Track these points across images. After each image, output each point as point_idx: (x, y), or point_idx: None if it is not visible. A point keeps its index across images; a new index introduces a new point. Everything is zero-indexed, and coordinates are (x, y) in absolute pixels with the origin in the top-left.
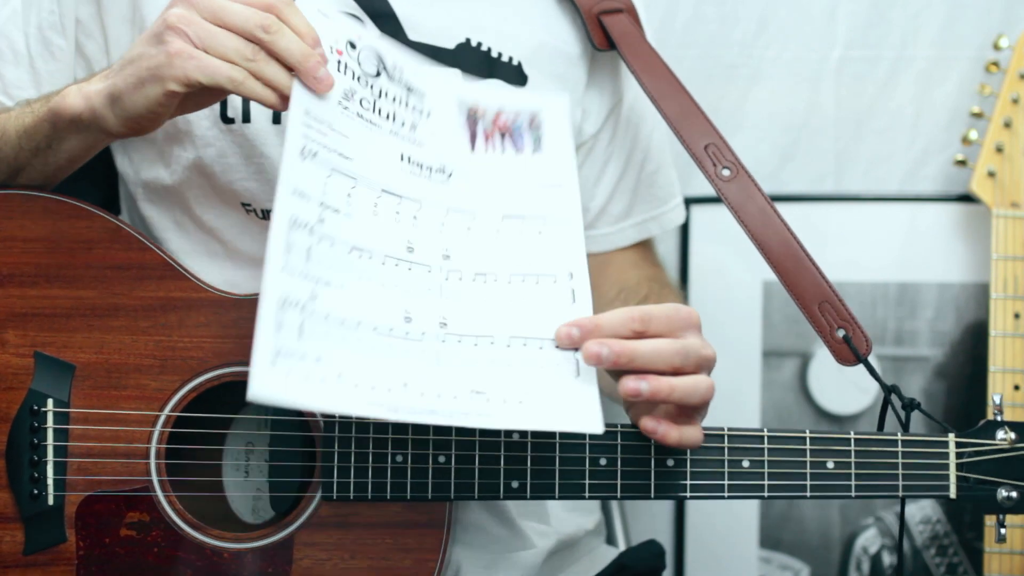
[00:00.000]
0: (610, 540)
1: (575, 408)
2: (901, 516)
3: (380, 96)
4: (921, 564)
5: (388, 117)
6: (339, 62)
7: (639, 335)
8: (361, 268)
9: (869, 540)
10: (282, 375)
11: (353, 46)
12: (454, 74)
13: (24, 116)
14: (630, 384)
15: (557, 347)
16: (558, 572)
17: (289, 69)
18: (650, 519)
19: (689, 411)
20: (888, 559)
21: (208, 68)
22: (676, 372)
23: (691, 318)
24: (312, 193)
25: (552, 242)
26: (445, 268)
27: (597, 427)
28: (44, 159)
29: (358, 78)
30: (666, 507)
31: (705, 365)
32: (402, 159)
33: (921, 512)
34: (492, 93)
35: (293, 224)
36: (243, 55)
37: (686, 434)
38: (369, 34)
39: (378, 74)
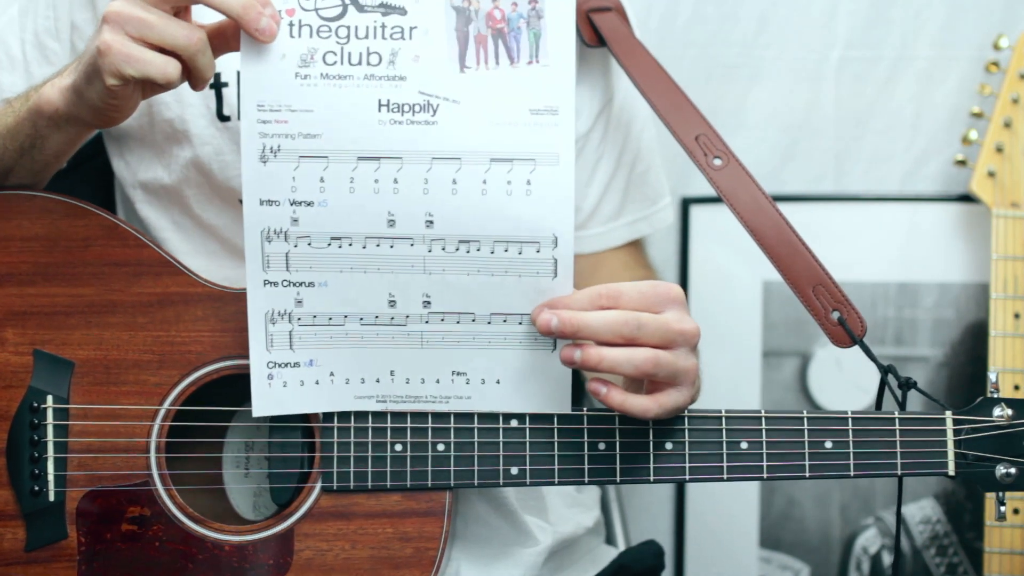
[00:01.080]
0: (609, 540)
1: (548, 389)
2: (899, 495)
3: (348, 38)
4: (921, 564)
5: (360, 60)
6: (291, 24)
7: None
8: (342, 258)
9: (869, 540)
10: (278, 388)
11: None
12: None
13: (6, 117)
14: (567, 350)
15: (535, 321)
16: (558, 572)
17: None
18: (650, 519)
19: (658, 384)
20: (888, 559)
21: (139, 64)
22: (628, 343)
23: (669, 293)
24: (279, 196)
25: (540, 196)
26: (428, 238)
27: (566, 408)
28: (31, 157)
29: (318, 30)
30: (666, 507)
31: (677, 340)
32: (380, 107)
33: (921, 512)
34: None
35: (266, 236)
36: (179, 44)
37: (629, 401)
38: None
39: (343, 13)
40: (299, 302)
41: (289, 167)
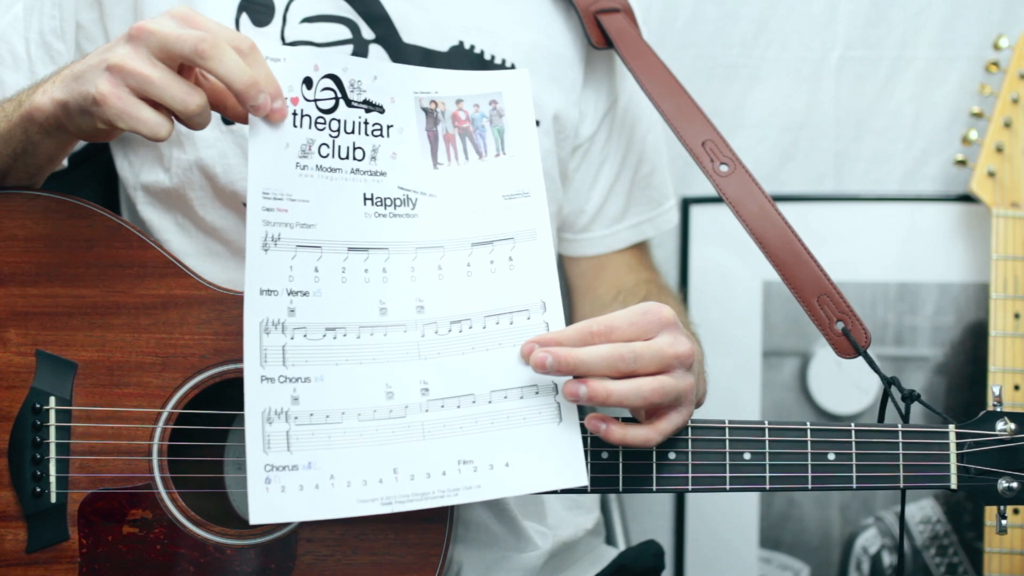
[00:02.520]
0: (610, 540)
1: (560, 462)
2: (902, 507)
3: (339, 132)
4: (921, 564)
5: (348, 155)
6: (294, 113)
7: (604, 341)
8: (338, 350)
9: (869, 540)
10: (277, 492)
11: (309, 84)
12: (411, 69)
13: None
14: (570, 387)
15: (536, 394)
16: (558, 573)
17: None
18: (650, 519)
19: (659, 408)
20: (888, 559)
21: (130, 119)
22: (626, 375)
23: (660, 317)
24: (278, 285)
25: (523, 269)
26: (420, 323)
27: (582, 479)
28: (24, 161)
29: (315, 122)
30: (666, 507)
31: (672, 364)
32: (365, 201)
33: (921, 512)
34: (450, 79)
35: (264, 329)
36: (177, 107)
37: (630, 434)
38: (325, 58)
39: (335, 107)
40: (295, 399)
41: (287, 256)
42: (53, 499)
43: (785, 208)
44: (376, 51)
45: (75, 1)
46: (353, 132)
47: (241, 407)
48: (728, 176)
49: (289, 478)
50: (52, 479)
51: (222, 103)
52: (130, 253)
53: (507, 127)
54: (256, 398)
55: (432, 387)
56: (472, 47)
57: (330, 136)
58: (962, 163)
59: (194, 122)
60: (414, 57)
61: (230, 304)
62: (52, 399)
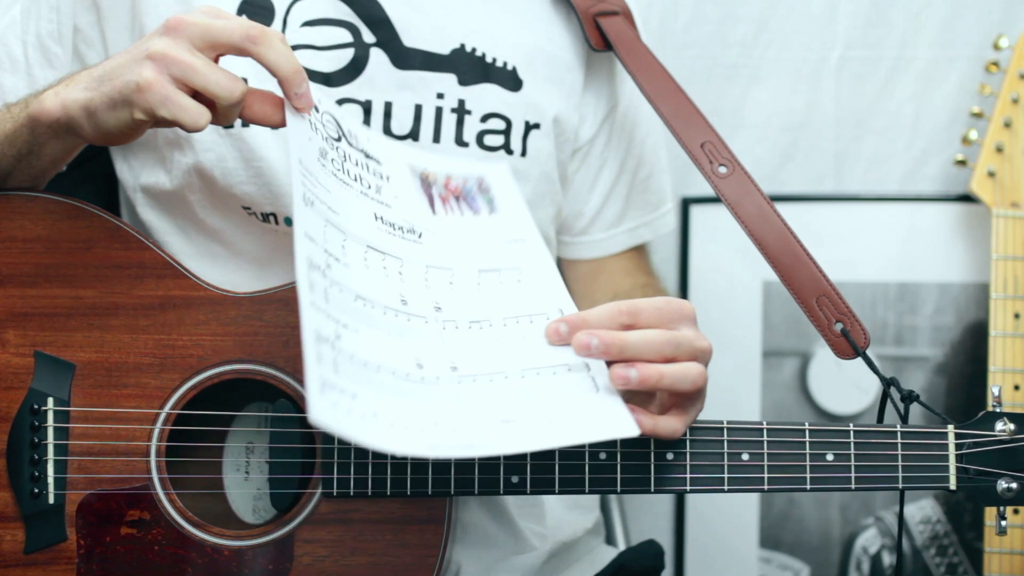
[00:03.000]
0: (610, 540)
1: (605, 417)
2: (900, 508)
3: (345, 159)
4: (921, 564)
5: (356, 179)
6: (310, 122)
7: (627, 328)
8: (367, 316)
9: (869, 540)
10: (330, 404)
11: (316, 109)
12: (401, 145)
13: (4, 122)
14: (619, 371)
15: (569, 371)
16: (557, 573)
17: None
18: (650, 519)
19: (681, 399)
20: (888, 559)
21: (175, 109)
22: (668, 361)
23: (683, 310)
24: (318, 238)
25: (533, 286)
26: (440, 319)
27: (632, 429)
28: (28, 163)
29: (326, 139)
30: (666, 507)
31: (700, 356)
32: (376, 219)
33: (921, 512)
34: (438, 161)
35: (311, 265)
36: (220, 94)
37: (661, 424)
38: (327, 100)
39: (339, 139)
40: (338, 336)
41: (321, 222)
42: (51, 500)
43: (785, 208)
44: (377, 54)
45: (73, 4)
46: (358, 166)
47: (240, 407)
48: (727, 178)
49: (339, 398)
50: (50, 480)
51: (252, 105)
52: (128, 254)
53: (496, 197)
54: (309, 318)
55: (461, 367)
56: (473, 50)
57: (339, 157)
58: (962, 163)
59: (230, 114)
60: (415, 60)
61: (228, 305)
62: (50, 400)
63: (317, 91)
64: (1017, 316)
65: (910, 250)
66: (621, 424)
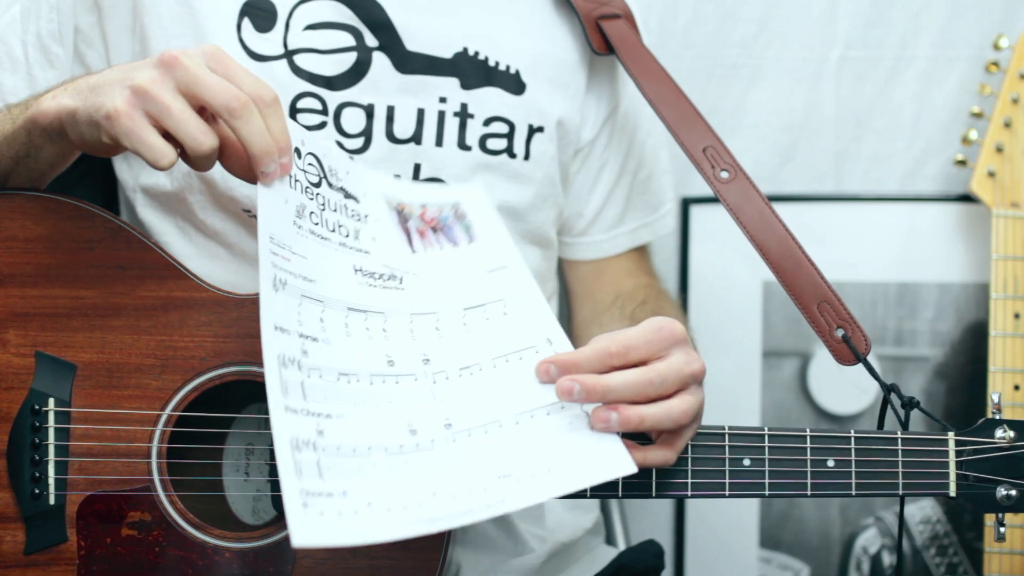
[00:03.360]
0: (610, 540)
1: (602, 457)
2: (900, 514)
3: (324, 207)
4: (921, 564)
5: (334, 229)
6: (291, 176)
7: (618, 366)
8: (353, 393)
9: (869, 540)
10: (316, 516)
11: (299, 154)
12: (376, 175)
13: (4, 123)
14: (600, 414)
15: (563, 409)
16: (557, 573)
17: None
18: (650, 519)
19: (675, 431)
20: (888, 559)
21: (137, 141)
22: (651, 400)
23: (674, 335)
24: (290, 326)
25: (520, 318)
26: (429, 372)
27: (630, 467)
28: (27, 165)
29: (305, 190)
30: (666, 507)
31: (690, 382)
32: (355, 272)
33: (921, 512)
34: (412, 190)
35: (282, 362)
36: (188, 144)
37: (650, 457)
38: (310, 137)
39: (319, 183)
40: (320, 432)
41: (294, 302)
42: (52, 501)
43: (785, 208)
44: (379, 59)
45: (73, 5)
46: (336, 211)
47: (240, 407)
48: (729, 183)
49: (326, 504)
50: (51, 480)
51: (229, 155)
52: (130, 255)
53: (472, 223)
54: (282, 426)
55: (455, 422)
56: (476, 53)
57: (318, 207)
58: (962, 163)
59: (200, 163)
60: (418, 64)
61: (230, 306)
62: (51, 400)
63: (299, 131)
64: (1017, 316)
65: (910, 250)
66: (618, 463)
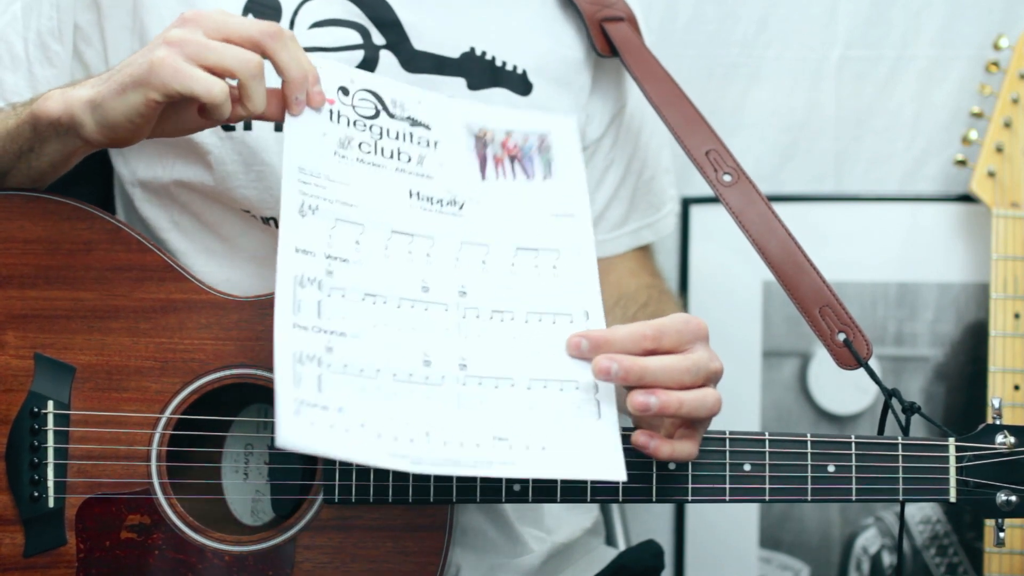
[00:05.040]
0: (610, 540)
1: (598, 454)
2: (901, 519)
3: (381, 136)
4: (921, 564)
5: (392, 155)
6: (331, 111)
7: (650, 352)
8: (376, 314)
9: (869, 540)
10: (306, 424)
11: (346, 92)
12: (460, 101)
13: (8, 119)
14: (639, 398)
15: (576, 389)
16: (557, 574)
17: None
18: (650, 519)
19: (694, 424)
20: (888, 559)
21: (186, 79)
22: (685, 388)
23: (700, 330)
24: (316, 248)
25: (567, 278)
26: (462, 305)
27: (620, 474)
28: (28, 162)
29: (354, 123)
30: (666, 507)
31: (713, 379)
32: (411, 195)
33: (921, 512)
34: (500, 115)
35: (299, 282)
36: (234, 66)
37: (678, 449)
38: (363, 75)
39: (376, 114)
40: (329, 349)
41: (326, 225)
42: (51, 503)
43: (785, 208)
44: (387, 57)
45: (73, 2)
46: (398, 139)
47: (239, 409)
48: (731, 186)
49: (319, 416)
50: (50, 483)
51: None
52: (130, 256)
53: (555, 158)
54: (287, 341)
55: (470, 364)
56: (484, 53)
57: (371, 137)
58: (962, 163)
59: (251, 91)
60: (425, 63)
61: (230, 309)
62: (50, 403)
63: (349, 71)
64: (1017, 316)
65: (910, 250)
66: (611, 467)
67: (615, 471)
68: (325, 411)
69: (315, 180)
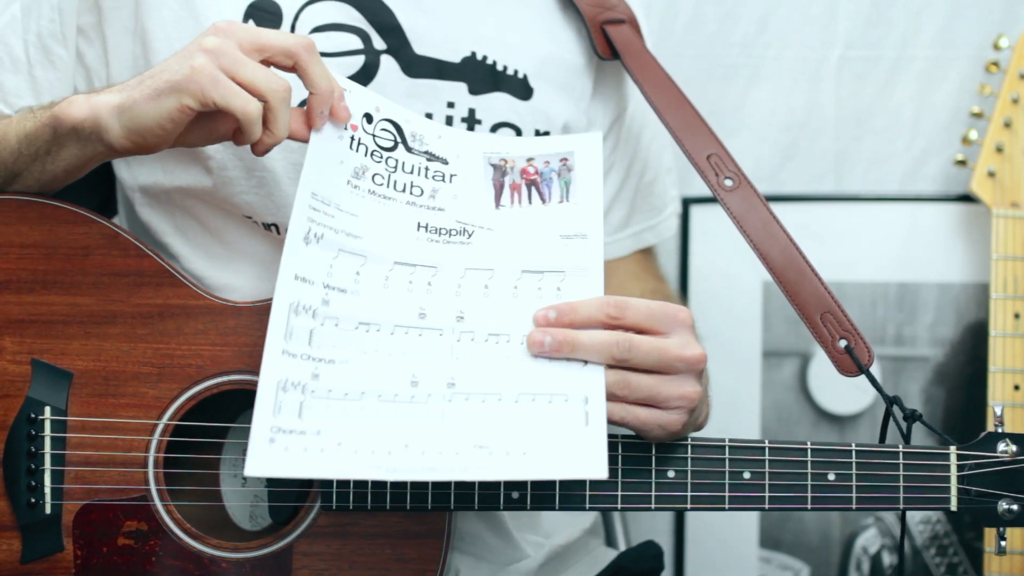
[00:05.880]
0: (610, 541)
1: (580, 455)
2: (902, 528)
3: (396, 169)
4: (921, 564)
5: (404, 189)
6: (352, 138)
7: (615, 320)
8: (368, 341)
9: (869, 540)
10: (280, 451)
11: (369, 119)
12: (483, 136)
13: (26, 121)
14: (535, 336)
15: (566, 401)
16: (556, 575)
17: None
18: (650, 519)
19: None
20: (888, 559)
21: (226, 91)
22: (621, 363)
23: (677, 315)
24: (315, 277)
25: (568, 297)
26: (458, 330)
27: (602, 472)
28: (42, 166)
29: (371, 153)
30: None
31: (678, 365)
32: (419, 228)
33: (921, 512)
34: (523, 144)
35: (294, 309)
36: (265, 88)
37: (632, 412)
38: (389, 105)
39: (394, 147)
40: (315, 376)
41: (329, 255)
42: (48, 510)
43: (785, 208)
44: (388, 62)
45: (75, 5)
46: (412, 173)
47: (238, 415)
48: (733, 191)
49: (294, 441)
50: (47, 489)
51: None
52: (127, 261)
53: (574, 180)
54: (274, 367)
55: (459, 383)
56: (484, 58)
57: (386, 170)
58: (962, 163)
59: (277, 115)
60: (426, 68)
61: (227, 314)
62: (47, 409)
63: (375, 98)
64: (1017, 316)
65: (910, 250)
66: (593, 464)
67: (597, 468)
68: (302, 436)
69: (325, 208)
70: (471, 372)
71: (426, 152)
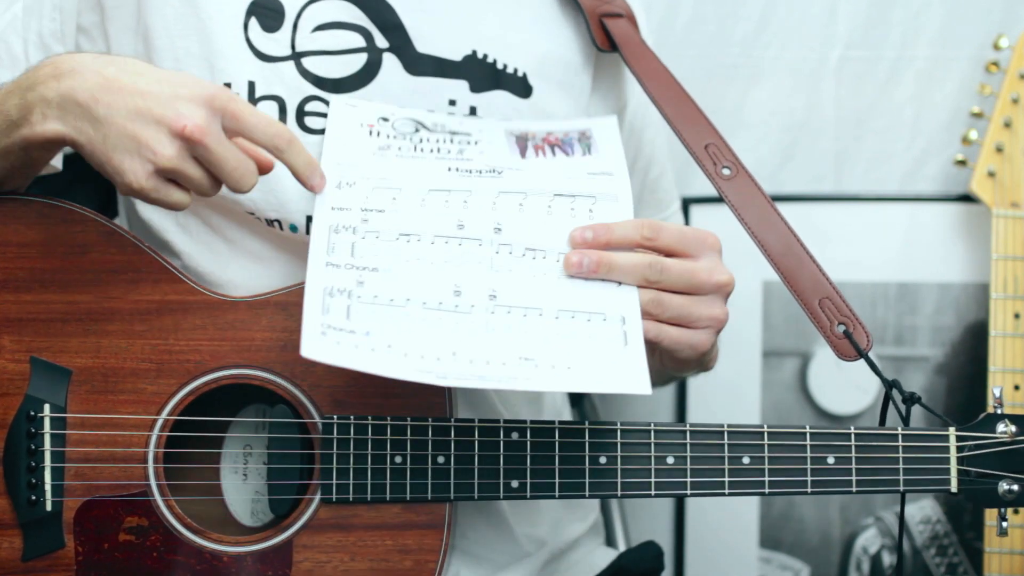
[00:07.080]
0: (610, 541)
1: (623, 371)
2: (901, 510)
3: (421, 142)
4: (921, 564)
5: (433, 150)
6: (370, 131)
7: (649, 241)
8: (410, 250)
9: (869, 540)
10: (332, 343)
11: (385, 119)
12: (505, 122)
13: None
14: (573, 257)
15: (604, 320)
16: (556, 575)
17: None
18: (650, 520)
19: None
20: (888, 559)
21: (158, 193)
22: (653, 286)
23: (706, 240)
24: (352, 205)
25: (601, 218)
26: (496, 241)
27: (645, 388)
28: (24, 175)
29: (393, 137)
30: (666, 507)
31: (707, 288)
32: (449, 170)
33: (921, 512)
34: (543, 123)
35: (334, 229)
36: (241, 183)
37: (664, 331)
38: (405, 110)
39: (416, 131)
40: (360, 283)
41: (363, 191)
42: (48, 507)
43: (785, 208)
44: (389, 60)
45: (76, 4)
46: (438, 141)
47: (237, 410)
48: (730, 180)
49: (346, 338)
50: (47, 487)
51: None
52: (124, 258)
53: (594, 144)
54: (319, 277)
55: (500, 295)
56: (485, 56)
57: (409, 143)
58: (962, 163)
59: (241, 187)
60: (428, 66)
61: (225, 309)
62: (47, 406)
63: (392, 108)
64: (1017, 316)
65: (910, 250)
66: (636, 381)
67: (640, 384)
68: (352, 335)
69: (352, 168)
70: (511, 285)
71: (449, 131)
